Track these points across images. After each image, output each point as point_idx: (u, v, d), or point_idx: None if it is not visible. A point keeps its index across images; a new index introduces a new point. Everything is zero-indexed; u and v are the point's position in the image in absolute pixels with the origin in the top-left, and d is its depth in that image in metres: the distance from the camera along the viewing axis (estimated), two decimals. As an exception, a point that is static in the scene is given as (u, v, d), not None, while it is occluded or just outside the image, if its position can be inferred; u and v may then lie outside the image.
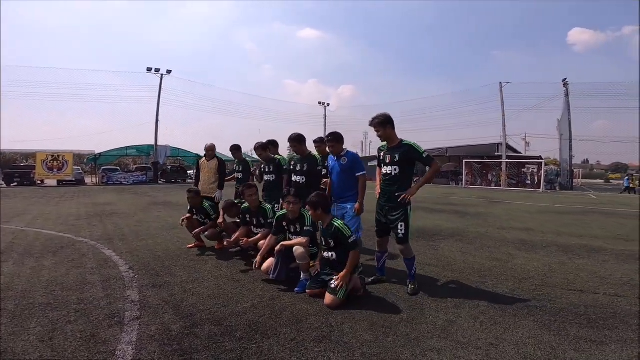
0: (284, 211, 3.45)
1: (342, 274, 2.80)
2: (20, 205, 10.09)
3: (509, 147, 27.61)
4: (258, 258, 3.38)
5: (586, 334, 2.33)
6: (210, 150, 5.31)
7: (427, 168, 3.17)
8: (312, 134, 4.16)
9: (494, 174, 25.75)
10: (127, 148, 25.91)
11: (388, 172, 3.15)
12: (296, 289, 3.07)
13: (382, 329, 2.34)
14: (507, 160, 25.37)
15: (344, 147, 3.66)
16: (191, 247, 4.63)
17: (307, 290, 2.99)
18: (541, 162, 23.34)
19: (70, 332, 2.25)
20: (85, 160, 28.01)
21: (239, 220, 4.29)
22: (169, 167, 26.67)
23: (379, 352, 2.04)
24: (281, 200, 3.91)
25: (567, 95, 24.40)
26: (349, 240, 2.89)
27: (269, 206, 3.92)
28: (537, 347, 2.14)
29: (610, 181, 47.30)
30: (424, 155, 3.09)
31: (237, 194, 5.11)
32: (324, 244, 3.08)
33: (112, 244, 4.86)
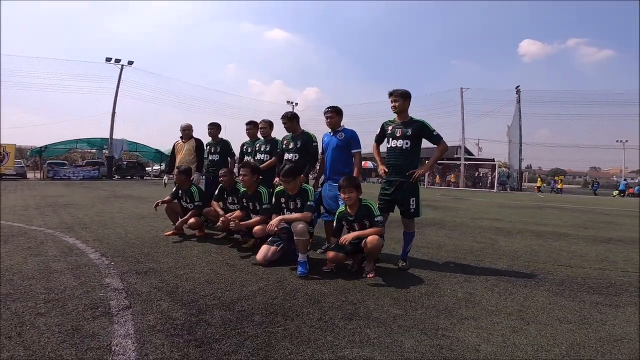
0: (281, 187, 3.22)
1: (356, 233, 2.75)
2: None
3: (465, 150, 29.31)
4: (266, 247, 3.11)
5: (599, 299, 2.42)
6: (187, 129, 4.91)
7: (435, 147, 3.16)
8: (281, 132, 4.04)
9: (454, 174, 27.22)
10: (77, 141, 23.50)
11: (399, 145, 3.08)
12: (298, 272, 2.83)
13: (407, 303, 2.23)
14: (465, 162, 26.92)
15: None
16: (169, 235, 4.19)
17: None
18: (494, 165, 25.12)
19: (43, 325, 1.83)
20: (27, 154, 25.02)
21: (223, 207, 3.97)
22: (125, 162, 24.73)
23: (415, 323, 1.92)
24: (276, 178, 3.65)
25: (519, 102, 26.36)
26: (376, 219, 2.81)
27: (265, 189, 3.63)
28: (563, 311, 2.16)
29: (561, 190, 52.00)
30: (434, 134, 3.08)
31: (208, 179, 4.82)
32: (356, 227, 2.91)
33: (73, 232, 4.26)
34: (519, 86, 26.62)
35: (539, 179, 27.33)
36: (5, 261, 2.95)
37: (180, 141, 4.96)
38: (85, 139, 23.85)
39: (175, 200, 4.38)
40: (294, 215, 3.05)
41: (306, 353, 1.59)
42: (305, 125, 4.00)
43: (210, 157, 4.88)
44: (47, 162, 21.05)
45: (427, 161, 3.31)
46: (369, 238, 2.72)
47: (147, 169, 25.61)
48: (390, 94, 3.10)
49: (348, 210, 2.94)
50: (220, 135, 4.97)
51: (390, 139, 3.14)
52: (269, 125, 4.32)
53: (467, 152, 31.12)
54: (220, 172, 4.02)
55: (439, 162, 27.63)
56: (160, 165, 25.79)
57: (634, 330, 1.93)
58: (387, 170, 3.17)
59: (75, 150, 27.60)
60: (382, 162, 3.25)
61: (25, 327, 1.82)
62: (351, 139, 3.38)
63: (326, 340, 1.72)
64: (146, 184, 17.17)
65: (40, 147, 21.54)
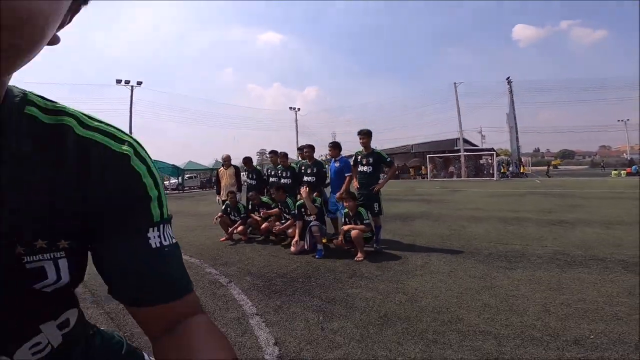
0: (302, 201, 4.89)
1: (351, 226, 4.43)
2: None
3: (466, 141, 30.62)
4: (296, 237, 4.78)
5: (504, 264, 3.98)
6: (227, 160, 6.72)
7: (388, 168, 5.02)
8: (283, 139, 6.00)
9: (455, 166, 28.55)
10: None
11: (365, 170, 4.81)
12: (317, 256, 4.47)
13: (384, 268, 3.85)
14: (465, 153, 28.25)
15: (341, 153, 5.30)
16: (223, 240, 5.87)
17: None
18: (493, 154, 26.41)
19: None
20: None
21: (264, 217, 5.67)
22: None
23: (388, 278, 3.54)
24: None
25: (511, 92, 27.64)
26: (364, 221, 4.42)
27: (290, 200, 5.30)
28: (476, 271, 3.74)
29: (557, 167, 52.51)
30: (388, 160, 4.88)
31: (247, 200, 6.47)
32: (353, 223, 4.51)
33: None
34: (509, 77, 28.15)
35: (502, 165, 28.13)
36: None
37: (222, 168, 6.70)
38: None
39: (225, 215, 6.06)
40: (311, 217, 4.73)
41: (328, 292, 3.20)
42: (307, 130, 5.91)
43: (249, 182, 6.47)
44: None
45: (382, 180, 5.06)
46: (353, 232, 4.36)
47: (165, 182, 27.52)
48: (359, 133, 4.82)
49: (350, 212, 4.58)
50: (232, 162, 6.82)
51: (360, 165, 4.86)
52: (285, 156, 6.08)
53: (469, 142, 32.34)
54: (249, 194, 5.78)
55: (439, 155, 29.35)
56: (178, 179, 27.71)
57: (512, 283, 3.49)
58: (358, 186, 4.87)
59: None
60: (357, 179, 4.94)
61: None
62: (344, 166, 5.12)
63: (338, 287, 3.34)
64: (168, 199, 19.01)
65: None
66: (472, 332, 2.24)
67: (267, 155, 6.27)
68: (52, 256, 0.39)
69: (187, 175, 27.71)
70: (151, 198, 0.43)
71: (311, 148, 5.61)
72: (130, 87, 25.94)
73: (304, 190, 4.76)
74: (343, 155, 5.32)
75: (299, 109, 40.26)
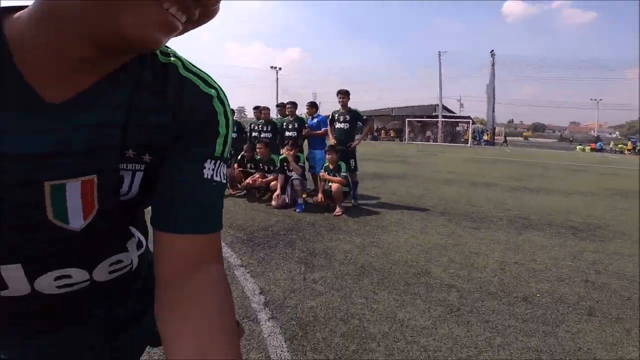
0: (284, 156, 4.92)
1: (331, 177, 4.62)
2: None
3: (445, 108, 31.02)
4: (278, 191, 4.88)
5: (469, 224, 4.31)
6: None
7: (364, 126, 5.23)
8: (264, 97, 5.94)
9: (433, 131, 29.10)
10: None
11: (342, 127, 4.97)
12: (298, 210, 4.62)
13: (361, 223, 4.07)
14: (443, 120, 28.71)
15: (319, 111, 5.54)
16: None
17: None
18: (470, 122, 27.04)
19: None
20: None
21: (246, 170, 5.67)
22: None
23: (364, 232, 3.76)
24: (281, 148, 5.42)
25: (493, 64, 27.80)
26: (342, 174, 4.58)
27: (275, 157, 5.31)
28: (444, 228, 4.05)
29: (528, 139, 54.74)
30: (364, 118, 5.10)
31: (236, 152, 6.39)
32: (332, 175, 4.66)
33: None
34: (493, 50, 28.38)
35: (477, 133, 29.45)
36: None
37: None
38: None
39: None
40: (292, 173, 4.80)
41: (309, 244, 3.39)
42: (287, 90, 5.99)
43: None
44: None
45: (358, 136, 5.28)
46: (334, 186, 4.53)
47: None
48: (338, 93, 4.96)
49: (330, 166, 4.71)
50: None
51: (337, 123, 5.00)
52: (266, 109, 6.01)
53: (448, 109, 32.74)
54: (244, 147, 5.70)
55: (418, 119, 29.75)
56: None
57: (475, 241, 3.82)
58: (335, 141, 4.99)
59: None
60: (333, 136, 5.08)
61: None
62: (321, 122, 5.32)
63: (318, 239, 3.53)
64: None
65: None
66: (439, 285, 2.51)
67: (245, 114, 6.13)
68: (133, 167, 0.45)
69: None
70: (219, 134, 0.49)
71: (293, 105, 5.59)
72: None
73: (286, 150, 4.78)
74: (320, 114, 5.51)
75: (280, 69, 38.34)
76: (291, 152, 4.79)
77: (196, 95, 0.47)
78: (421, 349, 1.76)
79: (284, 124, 5.57)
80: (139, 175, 0.46)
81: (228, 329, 0.42)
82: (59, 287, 0.47)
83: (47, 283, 0.46)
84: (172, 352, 0.40)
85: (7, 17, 0.37)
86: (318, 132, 5.35)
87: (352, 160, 4.98)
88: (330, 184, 4.63)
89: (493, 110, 28.72)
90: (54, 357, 0.55)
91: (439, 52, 29.87)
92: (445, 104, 31.17)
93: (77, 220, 0.43)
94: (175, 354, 0.39)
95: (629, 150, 25.38)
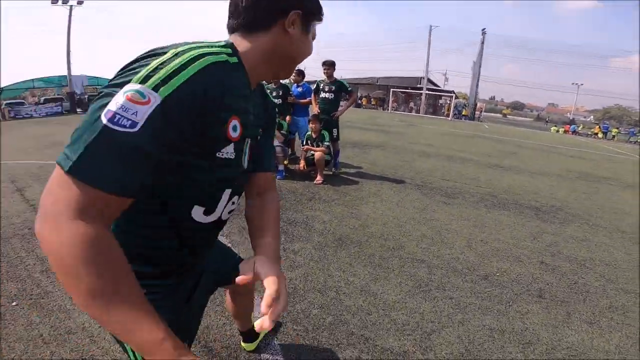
0: None
1: (313, 148, 4.65)
2: None
3: (430, 81, 30.84)
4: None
5: (443, 199, 4.48)
6: None
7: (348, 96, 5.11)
8: None
9: (416, 102, 29.10)
10: (33, 80, 22.57)
11: (327, 97, 4.89)
12: (278, 176, 4.58)
13: (341, 193, 4.14)
14: (427, 92, 28.69)
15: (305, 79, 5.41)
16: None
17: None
18: (452, 96, 27.19)
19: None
20: None
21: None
22: (86, 95, 23.85)
23: (344, 202, 3.83)
24: None
25: (482, 42, 27.59)
26: (325, 143, 4.58)
27: None
28: (420, 203, 4.19)
29: (506, 116, 55.94)
30: (349, 89, 4.99)
31: None
32: (315, 145, 4.64)
33: None
34: (484, 29, 28.06)
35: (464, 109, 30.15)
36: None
37: None
38: (41, 78, 22.96)
39: None
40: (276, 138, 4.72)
41: (289, 214, 3.42)
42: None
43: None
44: (5, 102, 20.02)
45: (342, 105, 5.19)
46: (317, 154, 4.52)
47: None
48: (324, 64, 4.83)
49: (313, 135, 4.66)
50: None
51: (322, 92, 4.91)
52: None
53: (432, 82, 32.55)
54: None
55: (402, 90, 29.56)
56: None
57: (447, 217, 3.99)
58: (319, 111, 4.94)
59: (34, 90, 26.37)
60: (317, 105, 5.02)
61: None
62: (306, 91, 5.23)
63: (298, 209, 3.57)
64: None
65: (-2, 88, 20.36)
66: (410, 260, 2.65)
67: None
68: (253, 142, 0.79)
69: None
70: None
71: None
72: (69, 7, 21.41)
73: None
74: (305, 82, 5.39)
75: None
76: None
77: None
78: (391, 322, 1.90)
79: (268, 90, 5.38)
80: (249, 150, 0.78)
81: (278, 221, 0.86)
82: (229, 212, 0.80)
83: (228, 209, 0.78)
84: (255, 231, 0.82)
85: (238, 51, 0.68)
86: (302, 100, 5.25)
87: (335, 129, 4.99)
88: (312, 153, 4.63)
89: (477, 87, 28.95)
90: (180, 303, 0.86)
91: (431, 26, 29.59)
92: (430, 77, 31.00)
93: (245, 163, 0.77)
94: (257, 233, 0.81)
95: (595, 133, 26.63)
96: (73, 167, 0.49)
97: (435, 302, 2.13)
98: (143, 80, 0.53)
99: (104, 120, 0.50)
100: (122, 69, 0.58)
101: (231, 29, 0.71)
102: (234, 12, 0.69)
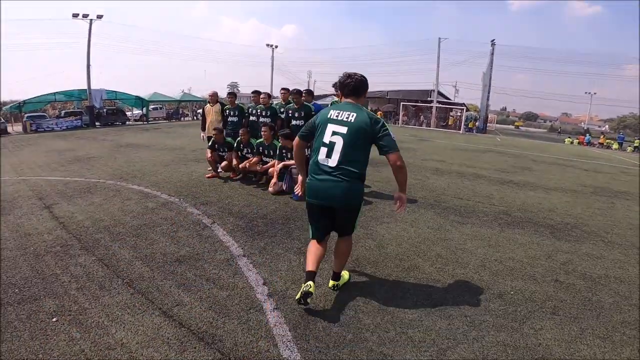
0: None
1: None
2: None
3: (440, 94, 31.13)
4: (275, 179, 5.05)
5: (456, 218, 4.58)
6: (214, 96, 6.51)
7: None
8: (258, 76, 6.18)
9: (427, 116, 29.31)
10: (54, 94, 23.70)
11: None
12: (293, 197, 4.74)
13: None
14: (437, 105, 28.89)
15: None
16: (209, 177, 5.96)
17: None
18: (463, 108, 27.26)
19: (183, 229, 3.77)
20: (2, 109, 24.67)
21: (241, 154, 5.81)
22: (105, 109, 24.97)
23: (369, 225, 3.97)
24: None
25: (492, 53, 27.83)
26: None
27: (278, 143, 5.34)
28: (434, 222, 4.31)
29: (519, 128, 55.28)
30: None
31: (228, 135, 6.43)
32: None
33: (128, 181, 5.62)
34: (494, 40, 28.34)
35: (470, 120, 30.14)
36: (110, 207, 4.71)
37: (208, 105, 6.52)
38: (62, 91, 24.06)
39: (214, 151, 6.02)
40: (291, 161, 4.95)
41: (306, 234, 3.57)
42: (283, 67, 6.29)
43: (230, 119, 6.35)
44: (27, 115, 21.03)
45: None
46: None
47: (127, 113, 26.24)
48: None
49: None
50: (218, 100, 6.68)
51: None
52: (268, 96, 6.12)
53: (442, 95, 32.84)
54: (240, 131, 5.78)
55: (413, 104, 29.91)
56: (142, 110, 26.69)
57: (461, 237, 4.08)
58: None
59: (54, 103, 27.62)
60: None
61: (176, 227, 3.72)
62: (317, 111, 5.65)
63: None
64: (133, 130, 17.96)
65: (19, 103, 21.59)
66: (426, 280, 2.78)
67: (238, 88, 6.23)
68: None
69: (152, 107, 27.64)
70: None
71: (299, 93, 5.60)
72: (89, 21, 22.96)
73: (283, 140, 4.99)
74: (316, 102, 5.71)
75: (276, 47, 36.83)
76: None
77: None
78: (408, 339, 2.03)
79: (290, 111, 5.61)
80: None
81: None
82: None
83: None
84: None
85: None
86: None
87: None
88: None
89: (488, 99, 28.96)
90: None
91: (439, 38, 29.87)
92: (440, 89, 31.32)
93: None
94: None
95: (601, 143, 26.28)
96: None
97: (451, 319, 2.24)
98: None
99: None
100: None
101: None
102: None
